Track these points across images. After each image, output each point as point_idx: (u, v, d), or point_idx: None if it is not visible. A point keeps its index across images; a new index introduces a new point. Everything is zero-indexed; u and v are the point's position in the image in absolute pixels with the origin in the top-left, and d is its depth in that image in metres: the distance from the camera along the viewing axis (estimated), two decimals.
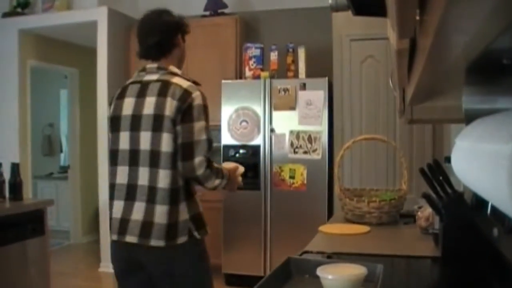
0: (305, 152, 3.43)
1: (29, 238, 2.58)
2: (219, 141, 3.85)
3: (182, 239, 1.51)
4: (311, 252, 1.43)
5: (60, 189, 5.45)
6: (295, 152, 3.45)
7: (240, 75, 3.94)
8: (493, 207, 1.06)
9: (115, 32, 4.09)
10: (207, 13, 4.09)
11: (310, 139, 3.43)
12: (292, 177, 3.46)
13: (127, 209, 1.54)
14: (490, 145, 0.32)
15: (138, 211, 1.52)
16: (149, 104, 1.55)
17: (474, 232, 1.22)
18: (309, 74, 3.56)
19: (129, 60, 4.23)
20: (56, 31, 4.45)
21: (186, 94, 1.54)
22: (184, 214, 1.52)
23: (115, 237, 1.56)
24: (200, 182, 1.55)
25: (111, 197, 1.58)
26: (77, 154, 5.10)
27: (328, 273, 1.04)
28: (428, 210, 1.62)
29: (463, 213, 1.28)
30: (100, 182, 4.02)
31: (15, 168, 2.66)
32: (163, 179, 1.50)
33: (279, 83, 3.50)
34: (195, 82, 1.62)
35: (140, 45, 1.67)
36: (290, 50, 3.65)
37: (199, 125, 1.54)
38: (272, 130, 3.51)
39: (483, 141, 0.35)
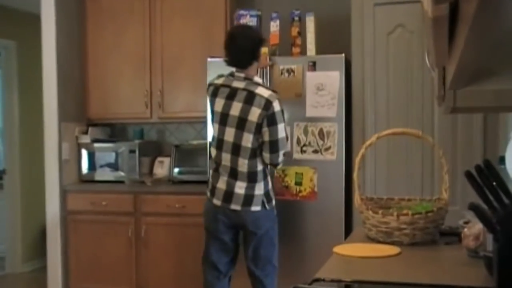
0: (316, 151, 3.43)
1: None
2: (204, 137, 3.86)
3: (256, 208, 2.75)
4: (323, 280, 1.44)
5: None
6: (302, 152, 3.45)
7: None
8: None
9: None
10: None
11: (321, 135, 3.42)
12: (298, 183, 3.46)
13: (215, 180, 2.79)
14: None
15: (222, 183, 2.76)
16: (236, 108, 2.71)
17: None
18: (320, 50, 3.56)
19: (84, 31, 4.23)
20: None
21: (268, 103, 2.68)
22: (259, 190, 2.74)
23: (218, 203, 2.78)
24: (276, 166, 2.84)
25: (211, 169, 2.85)
26: (16, 155, 5.08)
27: None
28: (477, 226, 1.62)
29: None
30: (48, 191, 4.02)
31: None
32: (241, 165, 2.73)
33: (282, 62, 3.51)
34: (274, 91, 2.77)
35: (229, 55, 2.77)
36: (296, 19, 3.65)
37: (280, 126, 2.72)
38: None
39: None
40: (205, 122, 3.69)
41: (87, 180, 4.16)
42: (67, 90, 4.10)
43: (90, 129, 4.23)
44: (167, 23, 4.07)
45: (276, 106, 2.70)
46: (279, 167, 2.89)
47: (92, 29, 4.22)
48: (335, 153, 3.41)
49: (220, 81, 2.84)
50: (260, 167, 2.76)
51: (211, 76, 3.61)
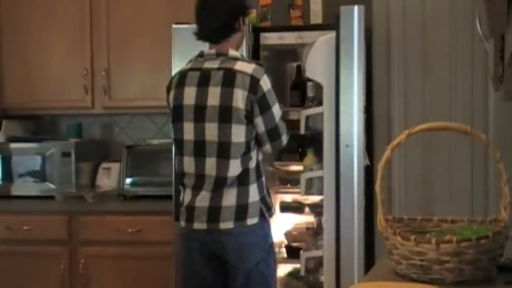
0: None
1: None
2: (168, 134, 3.84)
3: (253, 220, 2.81)
4: None
5: None
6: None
7: None
8: None
9: None
10: None
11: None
12: None
13: (193, 196, 2.83)
14: None
15: (203, 199, 2.80)
16: (214, 95, 2.77)
17: None
18: (329, 13, 3.54)
19: None
20: None
21: (255, 83, 2.75)
22: (253, 197, 2.82)
23: (183, 224, 2.86)
24: (281, 149, 3.08)
25: (182, 185, 2.90)
26: None
27: None
28: None
29: None
30: None
31: None
32: (233, 168, 2.76)
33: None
34: (258, 64, 2.86)
35: (200, 26, 2.86)
36: None
37: (276, 108, 2.83)
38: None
39: None
40: (169, 114, 3.66)
41: (1, 196, 4.12)
42: None
43: (4, 123, 4.22)
44: None
45: (265, 84, 2.78)
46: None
47: None
48: (367, 157, 3.42)
49: (187, 66, 2.91)
50: (253, 164, 2.83)
51: (177, 50, 3.60)
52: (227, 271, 2.86)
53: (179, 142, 2.87)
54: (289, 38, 3.59)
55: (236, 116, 2.75)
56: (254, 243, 2.83)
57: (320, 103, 3.36)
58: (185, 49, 3.59)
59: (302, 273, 3.48)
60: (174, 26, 3.62)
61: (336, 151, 3.24)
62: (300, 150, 3.76)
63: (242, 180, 2.79)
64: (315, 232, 3.53)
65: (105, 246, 3.85)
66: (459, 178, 3.33)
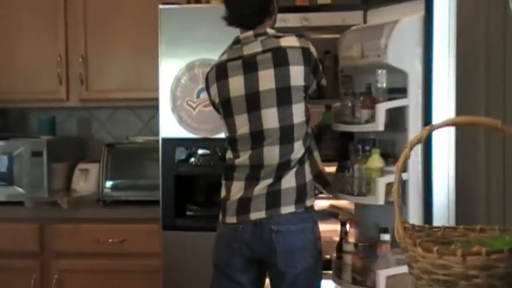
0: None
1: None
2: (155, 130, 3.84)
3: (310, 202, 3.08)
4: None
5: None
6: None
7: None
8: None
9: None
10: None
11: None
12: None
13: (249, 190, 2.98)
14: None
15: (262, 188, 2.97)
16: (267, 78, 2.95)
17: None
18: None
19: None
20: None
21: (308, 54, 2.99)
22: (308, 175, 3.07)
23: (233, 220, 2.99)
24: None
25: (228, 178, 3.05)
26: None
27: None
28: None
29: None
30: None
31: None
32: (297, 150, 2.99)
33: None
34: (297, 34, 3.06)
35: (232, 12, 3.03)
36: None
37: (320, 67, 3.14)
38: None
39: None
40: (156, 107, 3.67)
41: None
42: None
43: None
44: None
45: (314, 51, 3.04)
46: None
47: None
48: None
49: (223, 57, 3.07)
50: (308, 141, 3.08)
51: (164, 33, 3.60)
52: (268, 276, 3.06)
53: (233, 139, 3.05)
54: (293, 20, 3.59)
55: (296, 95, 2.97)
56: (303, 247, 2.98)
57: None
58: (173, 33, 3.61)
59: None
60: (160, 6, 3.63)
61: (426, 150, 3.17)
62: None
63: (300, 160, 3.00)
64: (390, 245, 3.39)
65: (82, 258, 3.86)
66: (488, 180, 3.32)
